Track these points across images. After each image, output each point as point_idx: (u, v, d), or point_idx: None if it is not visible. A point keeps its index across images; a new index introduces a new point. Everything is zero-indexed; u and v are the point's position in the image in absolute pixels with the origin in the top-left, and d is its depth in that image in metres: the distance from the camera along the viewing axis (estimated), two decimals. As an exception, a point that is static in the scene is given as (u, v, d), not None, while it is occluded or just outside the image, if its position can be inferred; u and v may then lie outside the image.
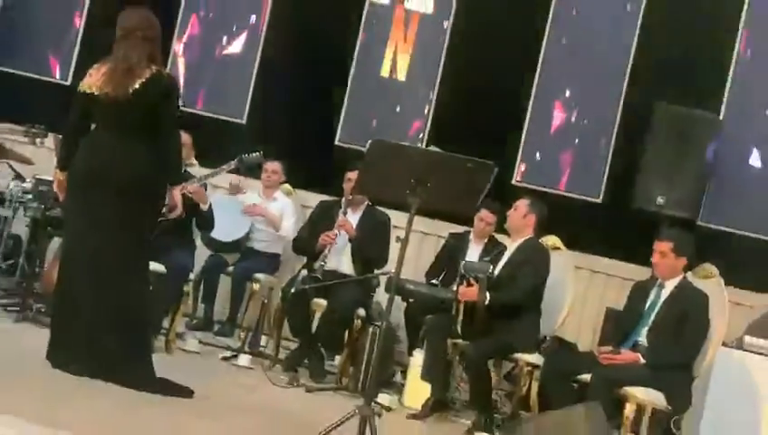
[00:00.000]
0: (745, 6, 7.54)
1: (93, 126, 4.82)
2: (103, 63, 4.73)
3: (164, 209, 4.93)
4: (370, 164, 4.11)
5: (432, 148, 4.40)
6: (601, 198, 7.64)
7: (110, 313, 4.66)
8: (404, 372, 6.16)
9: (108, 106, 4.63)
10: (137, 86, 4.59)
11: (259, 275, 6.97)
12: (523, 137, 7.73)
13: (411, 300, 6.42)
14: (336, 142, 7.89)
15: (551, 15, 7.72)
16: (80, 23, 8.08)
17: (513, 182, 7.58)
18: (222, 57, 8.03)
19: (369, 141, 3.99)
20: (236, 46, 8.00)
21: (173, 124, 4.77)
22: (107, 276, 4.67)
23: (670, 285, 5.28)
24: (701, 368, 5.27)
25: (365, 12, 7.91)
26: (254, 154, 6.13)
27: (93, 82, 4.68)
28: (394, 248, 6.37)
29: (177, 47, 8.03)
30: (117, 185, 4.61)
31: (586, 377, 5.06)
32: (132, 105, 4.60)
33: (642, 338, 5.22)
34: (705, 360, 5.26)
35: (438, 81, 7.82)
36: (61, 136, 6.10)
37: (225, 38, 8.03)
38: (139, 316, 4.83)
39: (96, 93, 4.65)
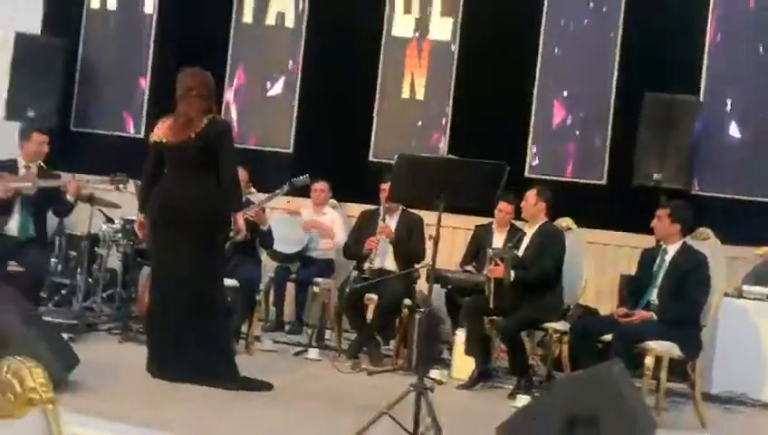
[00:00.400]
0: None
1: (165, 170, 4.88)
2: (168, 117, 4.82)
3: (231, 233, 4.94)
4: (399, 176, 4.07)
5: (450, 156, 4.31)
6: (605, 179, 7.50)
7: (195, 326, 4.72)
8: (450, 350, 6.11)
9: (175, 152, 4.72)
10: (196, 133, 4.66)
11: (318, 280, 6.93)
12: (530, 134, 7.62)
13: (449, 286, 6.36)
14: (370, 159, 7.83)
15: (542, 29, 7.61)
16: (145, 83, 8.12)
17: (526, 175, 7.46)
18: (267, 99, 8.01)
19: (396, 156, 3.94)
20: (278, 88, 7.98)
21: (231, 160, 4.78)
22: (189, 296, 4.72)
23: (672, 250, 5.16)
24: (708, 318, 5.15)
25: (383, 45, 7.85)
26: (301, 178, 6.11)
27: (161, 133, 4.79)
28: (429, 244, 6.37)
29: (229, 96, 8.04)
30: (189, 217, 4.67)
31: (608, 337, 4.98)
32: (194, 149, 4.68)
33: (654, 298, 5.12)
34: (710, 310, 5.14)
35: (451, 96, 7.74)
36: (139, 181, 6.21)
37: (268, 83, 8.01)
38: (219, 326, 4.89)
39: (164, 141, 4.74)
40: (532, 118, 7.62)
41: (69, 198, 5.78)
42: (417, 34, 7.82)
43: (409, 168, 3.97)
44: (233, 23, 8.04)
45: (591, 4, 7.56)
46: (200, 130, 4.68)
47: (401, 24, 7.85)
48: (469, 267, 6.62)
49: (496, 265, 5.40)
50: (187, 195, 4.70)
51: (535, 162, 7.61)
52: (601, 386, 3.74)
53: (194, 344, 4.69)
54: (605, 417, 3.62)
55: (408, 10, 7.83)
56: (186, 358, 4.68)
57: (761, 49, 7.32)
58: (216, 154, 4.70)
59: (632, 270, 7.02)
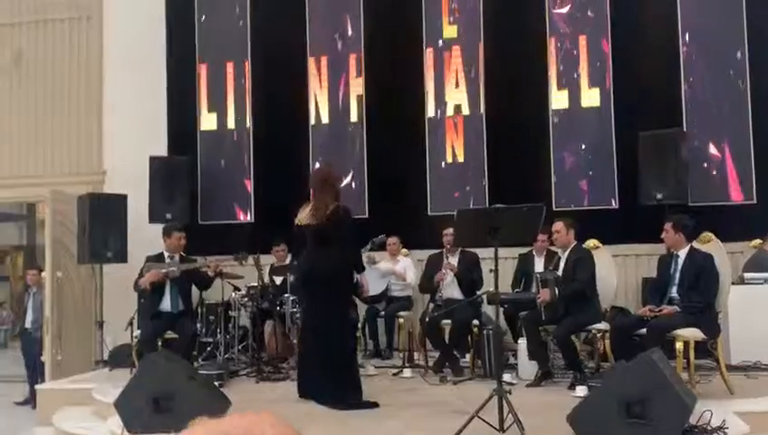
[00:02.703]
0: (682, 52, 7.35)
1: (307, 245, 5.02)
2: (306, 205, 4.96)
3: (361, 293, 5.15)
4: (459, 225, 4.07)
5: (497, 205, 4.28)
6: (617, 204, 7.40)
7: (334, 361, 4.82)
8: (515, 356, 5.98)
9: (313, 230, 4.86)
10: (328, 217, 4.80)
11: (402, 313, 6.92)
12: (552, 178, 7.57)
13: (506, 305, 6.28)
14: (428, 213, 7.83)
15: (550, 102, 7.61)
16: (250, 184, 8.27)
17: (554, 208, 7.38)
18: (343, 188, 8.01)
19: (456, 211, 3.94)
20: (348, 179, 8.02)
21: (352, 236, 4.94)
22: (327, 339, 4.81)
23: (683, 254, 5.05)
24: (721, 304, 5.00)
25: (426, 123, 7.89)
26: (379, 237, 6.15)
27: (303, 217, 4.92)
28: (486, 274, 6.34)
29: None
30: (324, 279, 4.80)
31: (642, 331, 4.86)
32: (327, 228, 4.81)
33: (675, 295, 5.00)
34: (722, 297, 4.99)
35: (486, 156, 7.74)
36: (255, 256, 6.32)
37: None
38: (349, 361, 4.97)
39: (305, 223, 4.89)
40: (552, 165, 7.57)
41: (210, 273, 5.89)
42: (450, 112, 7.86)
43: (467, 218, 3.96)
44: (310, 125, 8.17)
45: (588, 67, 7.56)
46: (331, 214, 4.82)
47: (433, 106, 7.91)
48: (518, 289, 6.54)
49: (543, 287, 5.32)
50: (321, 262, 4.83)
51: (558, 198, 7.53)
52: (647, 371, 3.65)
53: (335, 376, 4.77)
54: (654, 396, 3.52)
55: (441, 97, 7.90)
56: (328, 387, 4.76)
57: (731, 74, 7.26)
58: (344, 230, 4.85)
59: (649, 273, 6.91)
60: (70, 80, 8.67)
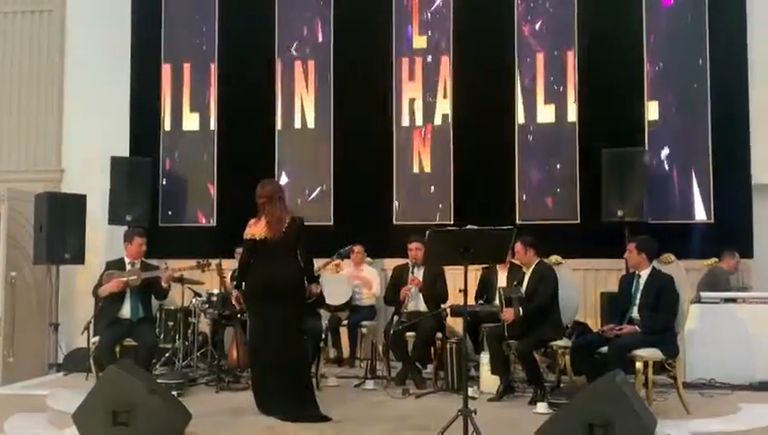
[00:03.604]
0: (647, 77, 7.50)
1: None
2: (257, 220, 4.89)
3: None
4: (431, 245, 4.06)
5: (469, 226, 4.29)
6: (579, 220, 7.49)
7: (289, 373, 4.76)
8: (476, 368, 5.97)
9: (272, 243, 4.81)
10: (285, 229, 4.79)
11: (365, 323, 6.90)
12: (516, 194, 7.63)
13: (469, 318, 6.29)
14: (394, 222, 7.82)
15: (518, 116, 7.67)
16: (213, 188, 8.14)
17: (518, 222, 7.45)
18: (307, 202, 7.96)
19: (428, 231, 3.93)
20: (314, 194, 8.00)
21: (305, 245, 4.92)
22: (283, 350, 4.76)
23: (644, 274, 5.13)
24: (680, 325, 5.10)
25: (395, 132, 7.88)
26: (345, 248, 6.12)
27: (255, 231, 4.85)
28: (451, 286, 6.36)
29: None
30: (283, 291, 4.77)
31: (603, 349, 4.93)
32: (285, 241, 4.81)
33: (635, 314, 5.07)
34: (682, 319, 5.09)
35: (453, 168, 7.76)
36: (217, 261, 6.22)
37: (306, 190, 8.01)
38: (306, 373, 4.97)
39: (258, 238, 4.83)
40: (516, 180, 7.64)
41: (164, 285, 5.77)
42: (419, 122, 7.87)
43: (438, 239, 3.95)
44: (276, 130, 8.07)
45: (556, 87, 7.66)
46: (288, 227, 4.82)
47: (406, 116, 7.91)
48: (481, 301, 6.57)
49: (507, 306, 5.37)
50: (275, 274, 4.79)
51: (523, 213, 7.60)
52: (610, 394, 3.70)
53: (290, 387, 4.73)
54: (617, 418, 3.58)
55: (411, 107, 7.90)
56: (285, 399, 4.71)
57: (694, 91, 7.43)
58: (297, 242, 4.85)
59: (607, 288, 7.03)
60: (29, 74, 8.43)
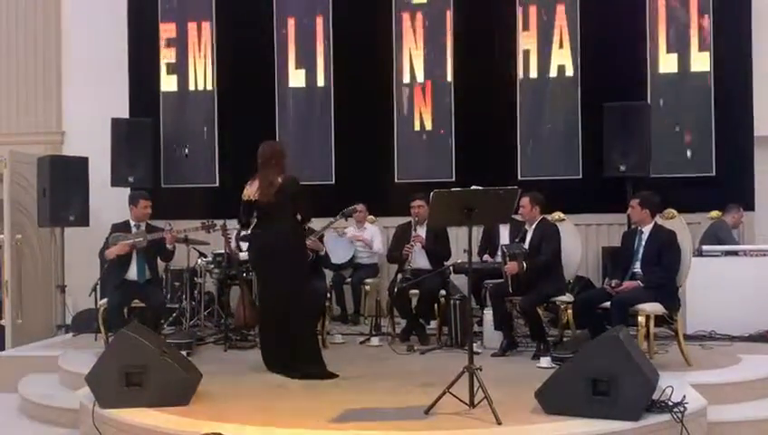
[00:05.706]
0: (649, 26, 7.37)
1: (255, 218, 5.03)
2: (253, 181, 4.94)
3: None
4: (435, 206, 4.05)
5: (474, 187, 4.28)
6: (581, 175, 7.47)
7: (293, 331, 4.84)
8: (479, 322, 6.00)
9: (262, 206, 4.88)
10: (276, 191, 4.82)
11: (368, 280, 6.96)
12: (519, 148, 7.59)
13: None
14: (396, 181, 7.81)
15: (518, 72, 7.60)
16: (215, 148, 8.04)
17: (519, 178, 7.42)
18: (308, 162, 7.80)
19: (432, 192, 3.92)
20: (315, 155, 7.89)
21: (304, 203, 4.94)
22: (285, 313, 4.82)
23: (647, 230, 5.14)
24: (682, 280, 5.13)
25: (394, 89, 7.80)
26: (349, 208, 6.10)
27: (250, 193, 4.92)
28: (453, 242, 6.39)
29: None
30: (277, 254, 4.82)
31: (606, 304, 4.98)
32: (274, 205, 4.84)
33: (638, 269, 5.10)
34: (684, 274, 5.11)
35: (453, 125, 7.70)
36: (222, 222, 6.21)
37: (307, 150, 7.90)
38: (311, 331, 5.06)
39: (255, 200, 4.90)
40: (518, 136, 7.59)
41: (168, 246, 5.78)
42: (420, 79, 7.78)
43: (443, 199, 3.94)
44: (276, 88, 7.98)
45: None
46: (277, 191, 4.82)
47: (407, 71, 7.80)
48: (485, 257, 6.61)
49: (510, 260, 5.39)
50: (274, 234, 4.85)
51: (525, 168, 7.58)
52: (613, 349, 3.73)
53: (297, 344, 4.81)
54: (619, 375, 3.63)
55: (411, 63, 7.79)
56: (291, 356, 4.79)
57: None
58: (292, 202, 4.87)
59: (609, 243, 7.05)
60: (27, 38, 8.34)
